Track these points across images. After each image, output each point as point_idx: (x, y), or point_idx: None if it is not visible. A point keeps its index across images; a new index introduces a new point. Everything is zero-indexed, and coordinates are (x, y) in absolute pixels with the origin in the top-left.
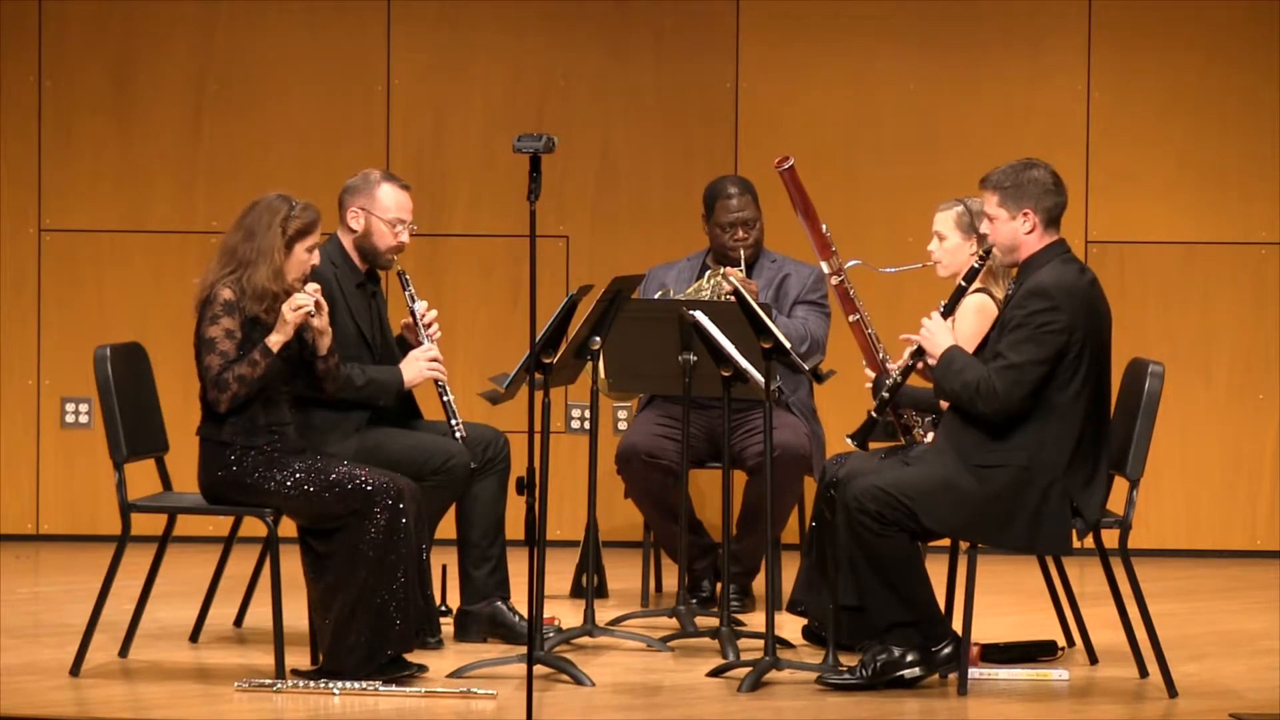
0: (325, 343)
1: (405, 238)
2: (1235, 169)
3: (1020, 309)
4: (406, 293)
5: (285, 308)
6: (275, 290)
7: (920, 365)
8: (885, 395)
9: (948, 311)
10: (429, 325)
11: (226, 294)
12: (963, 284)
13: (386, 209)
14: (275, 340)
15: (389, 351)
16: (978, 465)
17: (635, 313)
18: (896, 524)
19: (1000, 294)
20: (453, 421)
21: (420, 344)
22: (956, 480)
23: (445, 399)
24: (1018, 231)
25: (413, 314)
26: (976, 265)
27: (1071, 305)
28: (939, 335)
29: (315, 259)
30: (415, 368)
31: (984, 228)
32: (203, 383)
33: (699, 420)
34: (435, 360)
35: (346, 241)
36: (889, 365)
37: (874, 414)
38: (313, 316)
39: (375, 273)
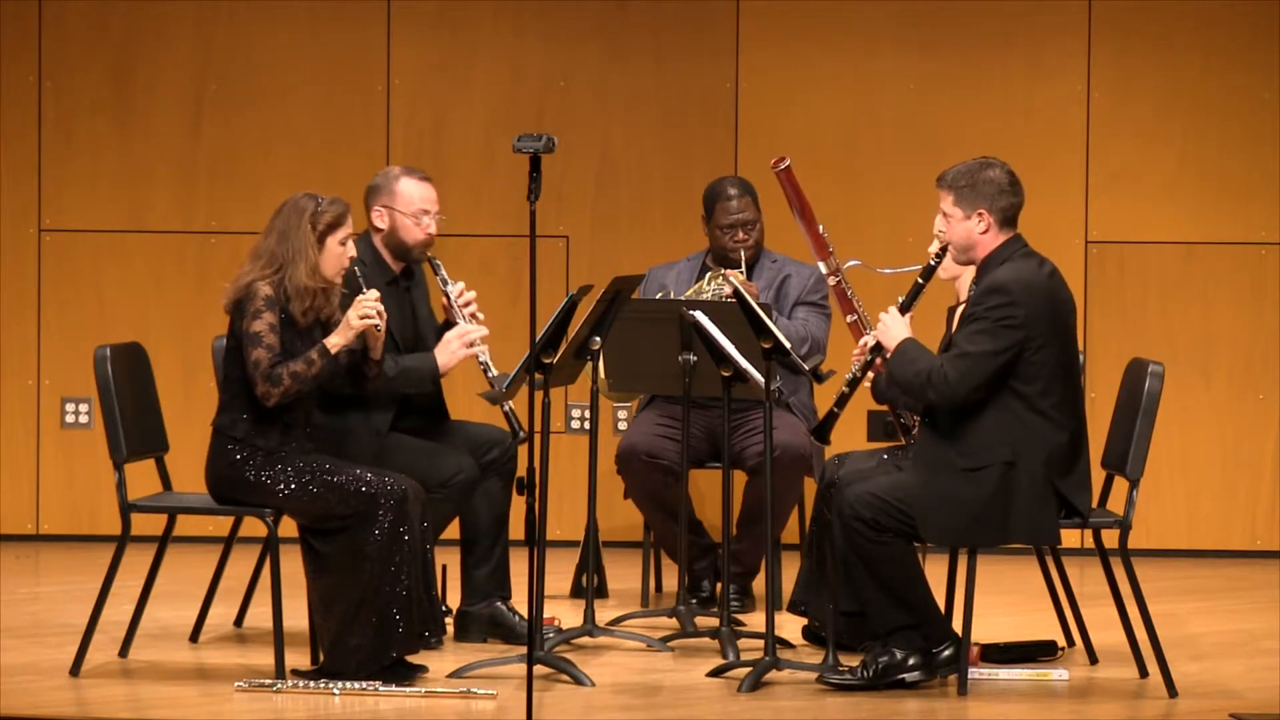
0: (379, 347)
1: (433, 228)
2: (1235, 169)
3: (979, 304)
4: (439, 277)
5: (351, 313)
6: (315, 287)
7: (879, 361)
8: (845, 390)
9: (905, 307)
10: (465, 305)
11: (266, 289)
12: (919, 281)
13: (410, 202)
14: (335, 343)
15: (423, 347)
16: (965, 469)
17: (635, 313)
18: (892, 530)
19: None
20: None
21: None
22: (949, 489)
23: (490, 375)
24: (972, 231)
25: (446, 297)
26: (932, 263)
27: (1031, 301)
28: (894, 328)
29: (351, 250)
30: (448, 350)
31: (939, 225)
32: (252, 377)
33: (699, 420)
34: (470, 339)
35: (376, 240)
36: (868, 373)
37: (835, 409)
38: (377, 328)
39: (411, 269)
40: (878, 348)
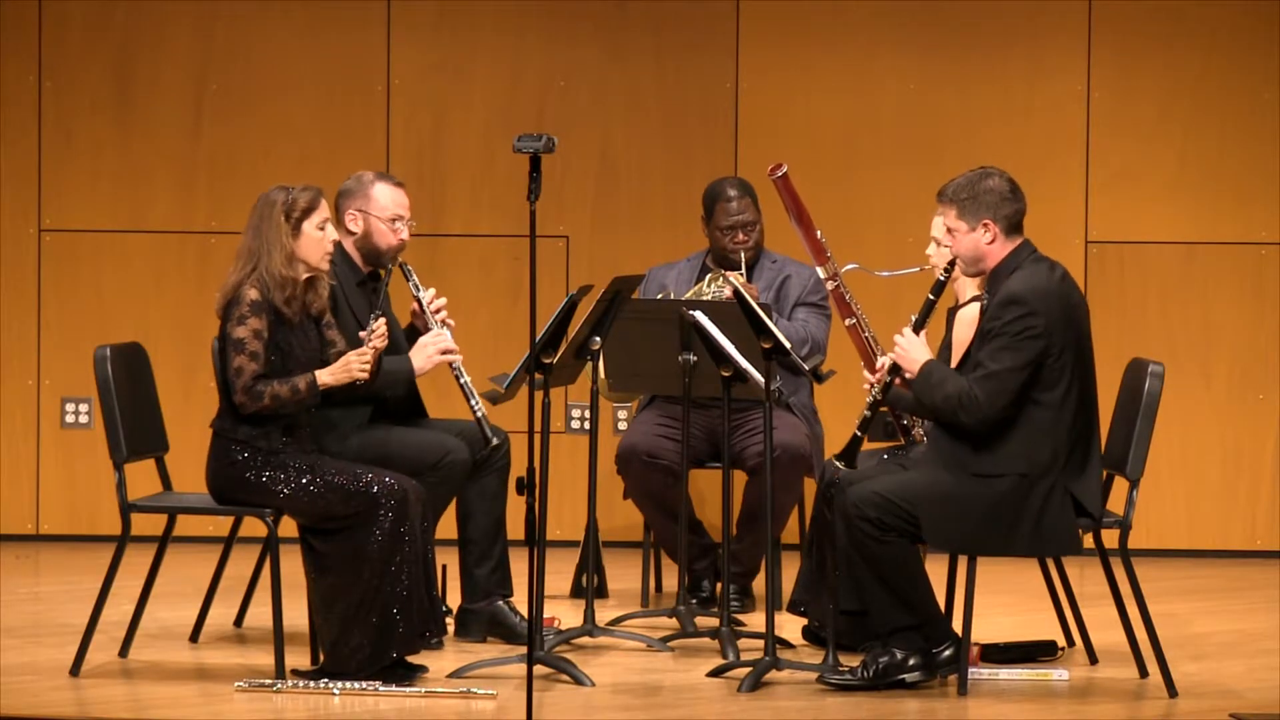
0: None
1: (405, 234)
2: (1235, 169)
3: (997, 319)
4: (410, 282)
5: (354, 358)
6: (292, 276)
7: (898, 381)
8: (867, 414)
9: (919, 326)
10: (437, 311)
11: (253, 294)
12: (931, 298)
13: (384, 208)
14: (325, 381)
15: (393, 345)
16: (976, 474)
17: (635, 313)
18: (896, 529)
19: None
20: (472, 402)
21: (429, 331)
22: (957, 492)
23: (461, 381)
24: (979, 242)
25: (419, 302)
26: (941, 278)
27: (1047, 308)
28: (913, 350)
29: (330, 234)
30: (423, 354)
31: (945, 240)
32: (232, 385)
33: (699, 420)
34: (445, 348)
35: (347, 243)
36: (887, 395)
37: (858, 433)
38: (363, 377)
39: (377, 272)
40: (895, 368)
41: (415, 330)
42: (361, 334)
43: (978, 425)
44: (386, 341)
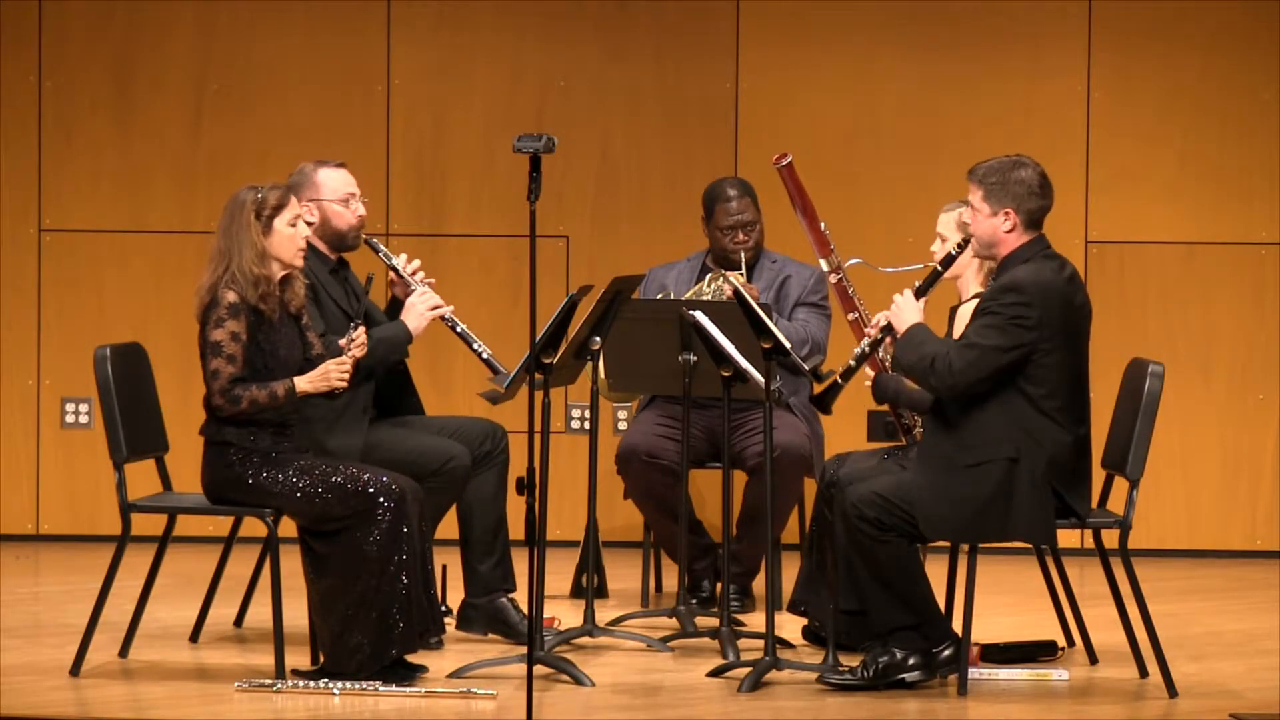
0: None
1: (361, 210)
2: (1235, 169)
3: (993, 299)
4: (380, 254)
5: (333, 367)
6: (265, 273)
7: (889, 340)
8: (852, 364)
9: (920, 292)
10: (414, 273)
11: (231, 296)
12: (939, 269)
13: (334, 189)
14: (303, 389)
15: (373, 324)
16: (968, 465)
17: (635, 313)
18: (895, 529)
19: None
20: (475, 346)
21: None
22: (950, 486)
23: (458, 330)
24: (997, 228)
25: (394, 270)
26: (954, 252)
27: (1045, 302)
28: (906, 311)
29: (302, 230)
30: (416, 314)
31: (966, 216)
32: (208, 387)
33: (699, 420)
34: (432, 304)
35: (309, 235)
36: (876, 351)
37: (840, 379)
38: (341, 386)
39: (344, 259)
40: (889, 327)
41: (397, 301)
42: (341, 342)
43: (944, 392)
44: (365, 350)
